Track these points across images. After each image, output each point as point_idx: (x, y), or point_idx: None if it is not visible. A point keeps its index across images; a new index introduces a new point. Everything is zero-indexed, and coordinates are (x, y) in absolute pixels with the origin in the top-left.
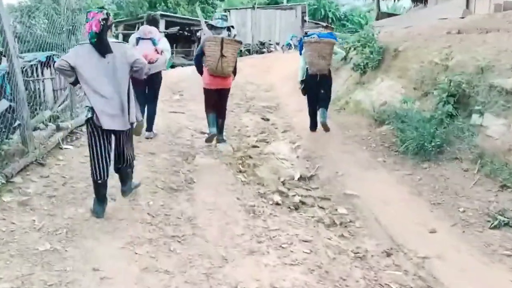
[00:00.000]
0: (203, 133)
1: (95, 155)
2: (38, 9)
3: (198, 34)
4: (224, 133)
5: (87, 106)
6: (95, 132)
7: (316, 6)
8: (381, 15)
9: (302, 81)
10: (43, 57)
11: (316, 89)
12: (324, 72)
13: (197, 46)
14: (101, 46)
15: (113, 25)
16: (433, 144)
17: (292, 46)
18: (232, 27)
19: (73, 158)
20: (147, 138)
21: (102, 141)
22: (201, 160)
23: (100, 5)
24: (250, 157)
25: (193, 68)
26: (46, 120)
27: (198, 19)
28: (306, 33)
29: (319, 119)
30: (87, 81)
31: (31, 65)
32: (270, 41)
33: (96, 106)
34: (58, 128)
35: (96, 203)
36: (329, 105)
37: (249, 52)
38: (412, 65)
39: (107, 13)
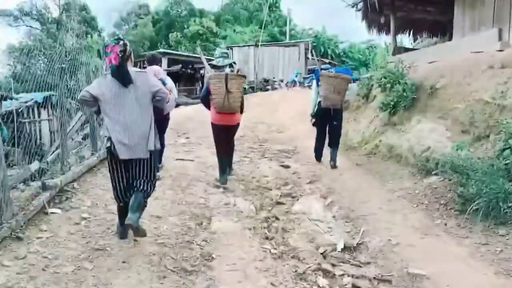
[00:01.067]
0: (217, 187)
1: (115, 182)
2: (38, 49)
3: (201, 72)
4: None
5: (105, 136)
6: (114, 161)
7: (315, 44)
8: (398, 50)
9: (313, 114)
10: (41, 98)
11: (327, 123)
12: (338, 107)
13: (201, 84)
14: (122, 77)
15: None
16: (510, 204)
17: (297, 83)
18: (234, 63)
19: (60, 228)
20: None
21: (120, 169)
22: (219, 225)
23: (103, 42)
24: (277, 218)
25: (198, 107)
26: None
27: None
28: (321, 68)
29: (330, 161)
30: (107, 112)
31: (27, 106)
32: (274, 78)
33: (114, 137)
34: (44, 187)
35: (119, 227)
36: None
37: (253, 89)
38: (455, 104)
39: (124, 44)
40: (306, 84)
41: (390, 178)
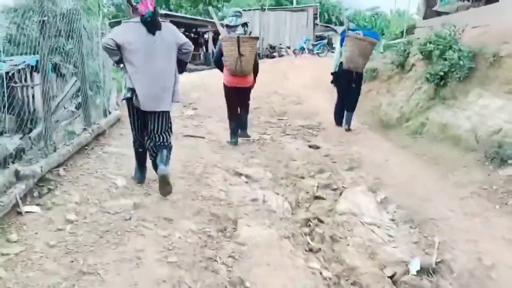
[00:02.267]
0: (239, 174)
1: (135, 130)
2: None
3: (205, 36)
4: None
5: (128, 87)
6: (135, 111)
7: (319, 10)
8: (429, 13)
9: (334, 73)
10: (33, 61)
11: (348, 85)
12: (360, 70)
13: (205, 49)
14: (155, 24)
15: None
16: None
17: (306, 50)
18: (248, 22)
19: (36, 236)
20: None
21: (142, 118)
22: (248, 232)
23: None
24: (320, 220)
25: (204, 74)
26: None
27: (205, 19)
28: (348, 28)
29: (344, 124)
30: (133, 61)
31: (19, 70)
32: (280, 44)
33: (138, 87)
34: (19, 176)
35: (137, 171)
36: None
37: (258, 56)
38: None
39: None
40: (315, 51)
41: (451, 167)
